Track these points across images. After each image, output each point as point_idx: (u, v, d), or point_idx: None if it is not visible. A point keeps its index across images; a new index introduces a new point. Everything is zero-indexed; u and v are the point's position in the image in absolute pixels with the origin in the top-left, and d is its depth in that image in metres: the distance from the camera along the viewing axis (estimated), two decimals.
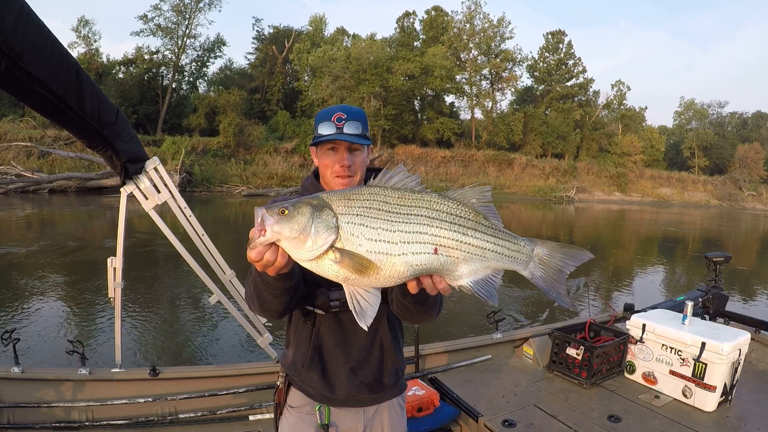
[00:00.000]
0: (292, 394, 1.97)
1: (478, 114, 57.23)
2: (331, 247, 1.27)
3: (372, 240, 1.28)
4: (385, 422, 1.98)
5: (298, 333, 1.93)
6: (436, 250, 1.32)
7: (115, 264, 3.16)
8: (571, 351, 3.95)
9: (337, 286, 1.37)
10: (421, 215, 1.32)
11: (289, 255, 1.31)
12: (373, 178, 1.41)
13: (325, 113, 1.84)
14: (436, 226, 1.32)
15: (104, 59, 46.14)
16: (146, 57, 45.69)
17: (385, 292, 1.77)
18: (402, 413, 2.07)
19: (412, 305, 1.63)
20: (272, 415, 3.34)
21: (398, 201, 1.33)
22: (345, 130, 1.79)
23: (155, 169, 3.09)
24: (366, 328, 1.34)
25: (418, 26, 58.44)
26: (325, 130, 1.80)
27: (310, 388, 1.91)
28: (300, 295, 1.71)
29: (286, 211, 1.27)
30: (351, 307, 1.35)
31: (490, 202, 1.41)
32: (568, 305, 1.52)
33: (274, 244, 1.30)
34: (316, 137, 1.84)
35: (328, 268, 1.29)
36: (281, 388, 2.00)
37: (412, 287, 1.39)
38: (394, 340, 1.97)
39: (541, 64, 60.89)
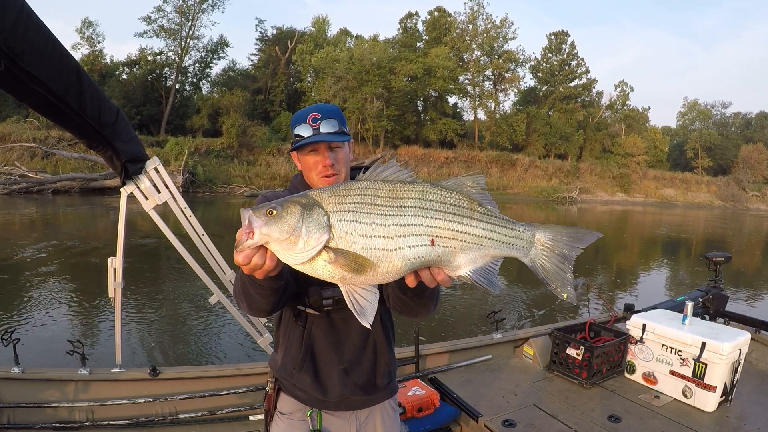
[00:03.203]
0: (282, 400, 1.93)
1: (481, 115, 57.35)
2: (324, 247, 1.22)
3: (366, 236, 1.23)
4: (378, 426, 1.95)
5: (289, 334, 1.89)
6: (432, 241, 1.27)
7: (115, 264, 3.17)
8: (571, 351, 3.95)
9: (330, 284, 1.33)
10: (415, 206, 1.27)
11: (278, 257, 1.26)
12: (363, 173, 1.36)
13: (300, 115, 1.82)
14: (431, 217, 1.27)
15: (108, 60, 46.35)
16: (149, 58, 45.89)
17: (379, 289, 1.77)
18: (395, 416, 2.03)
19: (410, 299, 1.58)
20: None
21: (390, 194, 1.27)
22: (322, 130, 1.77)
23: (155, 169, 3.10)
24: (369, 326, 1.30)
25: (420, 27, 58.46)
26: (303, 132, 1.78)
27: (301, 392, 1.87)
28: (290, 293, 1.67)
29: (275, 212, 1.21)
30: (350, 307, 1.30)
31: (485, 189, 1.36)
32: (572, 298, 1.37)
33: (262, 247, 1.24)
34: (295, 142, 1.82)
35: (323, 269, 1.24)
36: (271, 393, 1.95)
37: (410, 281, 1.34)
38: (387, 341, 1.93)
39: (544, 64, 60.79)
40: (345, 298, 1.30)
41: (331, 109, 1.83)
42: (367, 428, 1.93)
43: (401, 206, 1.26)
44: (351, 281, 1.28)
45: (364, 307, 1.30)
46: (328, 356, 1.85)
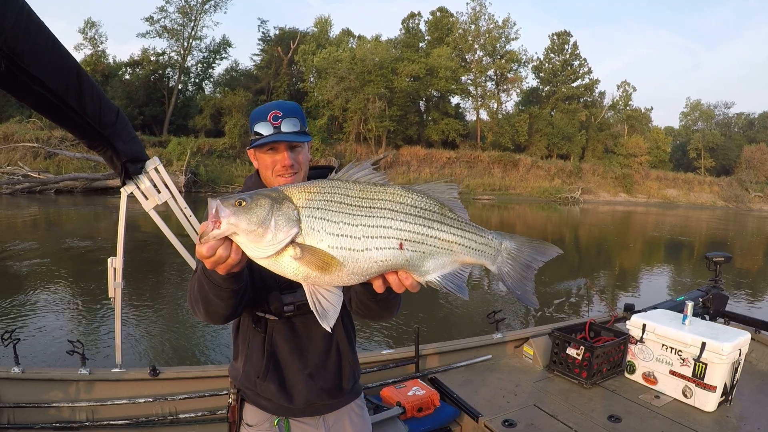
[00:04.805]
0: (247, 411, 1.86)
1: (484, 115, 57.47)
2: (292, 242, 1.18)
3: (333, 235, 1.20)
4: (347, 428, 1.92)
5: (248, 342, 1.83)
6: (401, 245, 1.23)
7: (116, 264, 3.18)
8: (571, 351, 3.94)
9: (291, 290, 1.28)
10: (385, 208, 1.24)
11: (243, 251, 1.21)
12: (335, 172, 1.31)
13: (260, 112, 1.76)
14: (401, 220, 1.24)
15: (110, 60, 46.52)
16: (152, 58, 46.05)
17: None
18: (363, 414, 2.01)
19: (375, 304, 1.53)
20: None
21: (360, 194, 1.24)
22: (283, 129, 1.71)
23: (155, 169, 3.10)
24: (329, 329, 1.25)
25: (423, 27, 58.46)
26: (262, 130, 1.72)
27: (266, 401, 1.82)
28: (247, 298, 1.60)
29: (244, 203, 1.17)
30: (312, 308, 1.25)
31: (457, 198, 1.33)
32: (534, 305, 1.38)
33: (227, 239, 1.20)
34: (253, 140, 1.75)
35: (288, 266, 1.20)
36: (234, 405, 1.88)
37: (378, 286, 1.30)
38: (349, 343, 1.91)
39: (546, 64, 60.80)
40: (308, 298, 1.26)
41: (292, 108, 1.78)
42: (337, 431, 1.91)
43: (371, 207, 1.24)
44: (315, 281, 1.24)
45: (327, 309, 1.25)
46: (292, 362, 1.80)
